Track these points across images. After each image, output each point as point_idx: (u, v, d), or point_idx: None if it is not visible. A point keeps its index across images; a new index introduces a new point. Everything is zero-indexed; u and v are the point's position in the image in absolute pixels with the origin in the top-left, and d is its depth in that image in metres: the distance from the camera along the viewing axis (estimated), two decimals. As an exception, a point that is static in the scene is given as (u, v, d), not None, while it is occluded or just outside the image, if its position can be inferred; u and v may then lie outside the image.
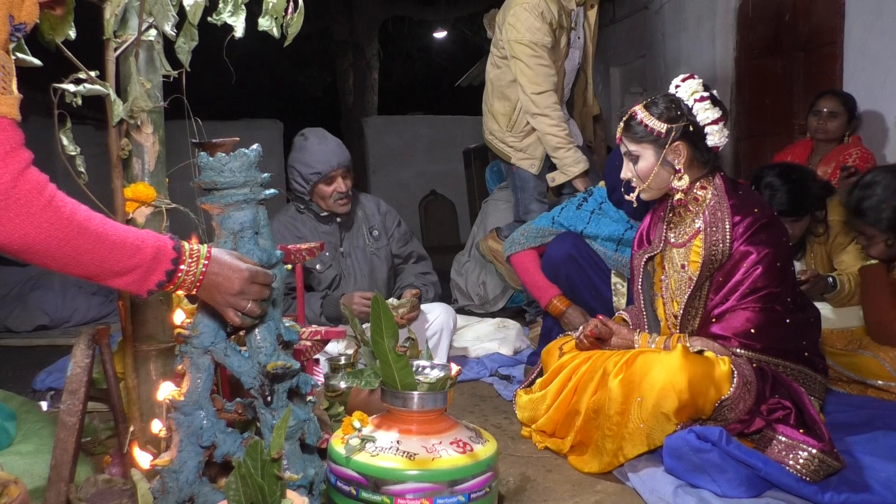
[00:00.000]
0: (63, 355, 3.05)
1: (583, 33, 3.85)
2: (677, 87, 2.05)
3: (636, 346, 2.07)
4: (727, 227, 1.98)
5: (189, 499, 1.39)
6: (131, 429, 1.71)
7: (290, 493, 1.28)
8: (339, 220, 2.98)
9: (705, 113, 2.00)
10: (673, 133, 1.99)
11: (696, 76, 2.06)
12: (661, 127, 2.00)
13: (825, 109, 3.51)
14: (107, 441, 2.07)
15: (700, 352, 1.90)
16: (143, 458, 1.49)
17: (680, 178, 2.03)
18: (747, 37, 4.76)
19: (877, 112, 3.69)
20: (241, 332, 1.43)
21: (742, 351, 1.92)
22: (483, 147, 7.64)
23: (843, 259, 2.78)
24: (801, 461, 1.72)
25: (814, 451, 1.73)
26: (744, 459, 1.70)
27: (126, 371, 1.76)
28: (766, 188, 2.61)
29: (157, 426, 1.53)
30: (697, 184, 2.05)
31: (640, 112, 2.04)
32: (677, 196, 2.07)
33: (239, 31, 1.73)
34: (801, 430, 1.79)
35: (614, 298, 2.75)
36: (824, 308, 2.75)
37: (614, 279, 2.77)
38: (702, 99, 2.00)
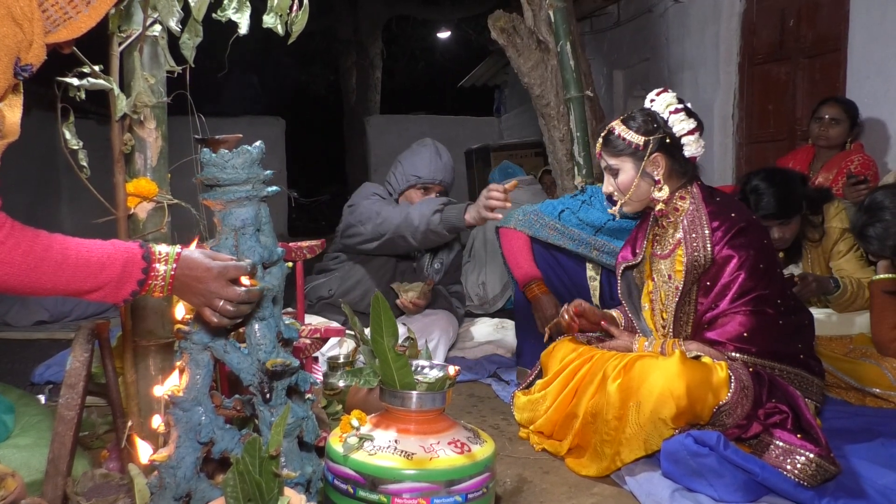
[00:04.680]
0: (62, 349, 3.04)
1: None
2: (652, 101, 2.10)
3: (634, 349, 2.08)
4: (706, 233, 2.00)
5: (186, 494, 1.39)
6: (129, 424, 1.71)
7: (287, 491, 1.27)
8: None
9: (680, 124, 2.05)
10: (651, 145, 2.03)
11: (669, 90, 2.11)
12: (638, 140, 2.04)
13: (827, 116, 3.51)
14: (105, 435, 2.07)
15: (697, 357, 1.90)
16: (143, 449, 1.49)
17: (660, 189, 2.06)
18: (751, 42, 4.76)
19: (879, 119, 3.69)
20: (241, 329, 1.43)
21: (738, 355, 1.92)
22: (485, 147, 7.68)
23: (844, 266, 2.78)
24: (798, 466, 1.72)
25: (811, 455, 1.73)
26: (741, 464, 1.69)
27: (125, 366, 1.76)
28: (752, 192, 2.62)
29: (156, 421, 1.53)
30: (677, 194, 2.08)
31: (618, 126, 2.09)
32: (658, 207, 2.09)
33: (243, 28, 1.73)
34: (798, 435, 1.79)
35: (591, 289, 2.77)
36: (823, 314, 2.75)
37: (589, 272, 2.78)
38: (676, 111, 2.05)
